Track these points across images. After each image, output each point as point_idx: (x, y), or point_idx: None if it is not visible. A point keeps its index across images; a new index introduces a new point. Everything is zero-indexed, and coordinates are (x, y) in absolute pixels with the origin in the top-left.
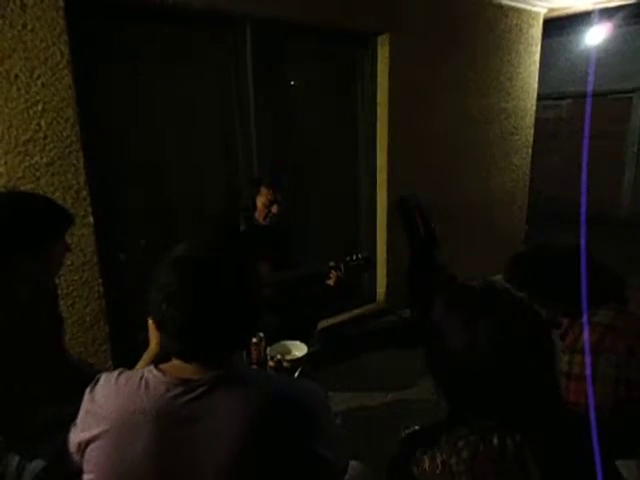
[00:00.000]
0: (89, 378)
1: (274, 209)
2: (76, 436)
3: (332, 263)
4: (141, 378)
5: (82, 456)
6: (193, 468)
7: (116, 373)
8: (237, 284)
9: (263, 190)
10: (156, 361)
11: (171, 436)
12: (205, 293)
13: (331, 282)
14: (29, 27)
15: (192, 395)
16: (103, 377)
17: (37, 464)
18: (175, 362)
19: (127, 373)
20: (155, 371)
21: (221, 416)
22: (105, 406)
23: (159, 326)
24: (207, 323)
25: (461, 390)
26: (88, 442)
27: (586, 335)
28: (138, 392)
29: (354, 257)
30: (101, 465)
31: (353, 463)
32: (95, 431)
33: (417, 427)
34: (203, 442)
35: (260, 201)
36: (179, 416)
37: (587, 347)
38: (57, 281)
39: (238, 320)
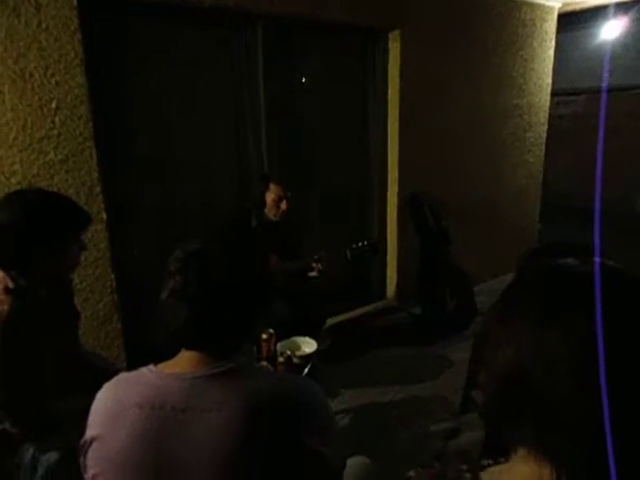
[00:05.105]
0: (103, 372)
1: (283, 205)
2: (82, 438)
3: (316, 256)
4: (138, 375)
5: (84, 455)
6: (189, 458)
7: (116, 377)
8: (244, 275)
9: (272, 186)
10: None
11: (166, 427)
12: (215, 284)
13: (314, 273)
14: (43, 26)
15: (187, 389)
16: (105, 385)
17: (51, 456)
18: (174, 360)
19: (125, 373)
20: (153, 368)
21: (216, 409)
22: (103, 407)
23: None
24: (216, 313)
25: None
26: (91, 442)
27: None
28: (134, 388)
29: (359, 244)
30: (101, 459)
31: (360, 458)
32: (94, 431)
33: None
34: (198, 434)
35: (270, 197)
36: (174, 408)
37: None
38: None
39: (246, 310)
